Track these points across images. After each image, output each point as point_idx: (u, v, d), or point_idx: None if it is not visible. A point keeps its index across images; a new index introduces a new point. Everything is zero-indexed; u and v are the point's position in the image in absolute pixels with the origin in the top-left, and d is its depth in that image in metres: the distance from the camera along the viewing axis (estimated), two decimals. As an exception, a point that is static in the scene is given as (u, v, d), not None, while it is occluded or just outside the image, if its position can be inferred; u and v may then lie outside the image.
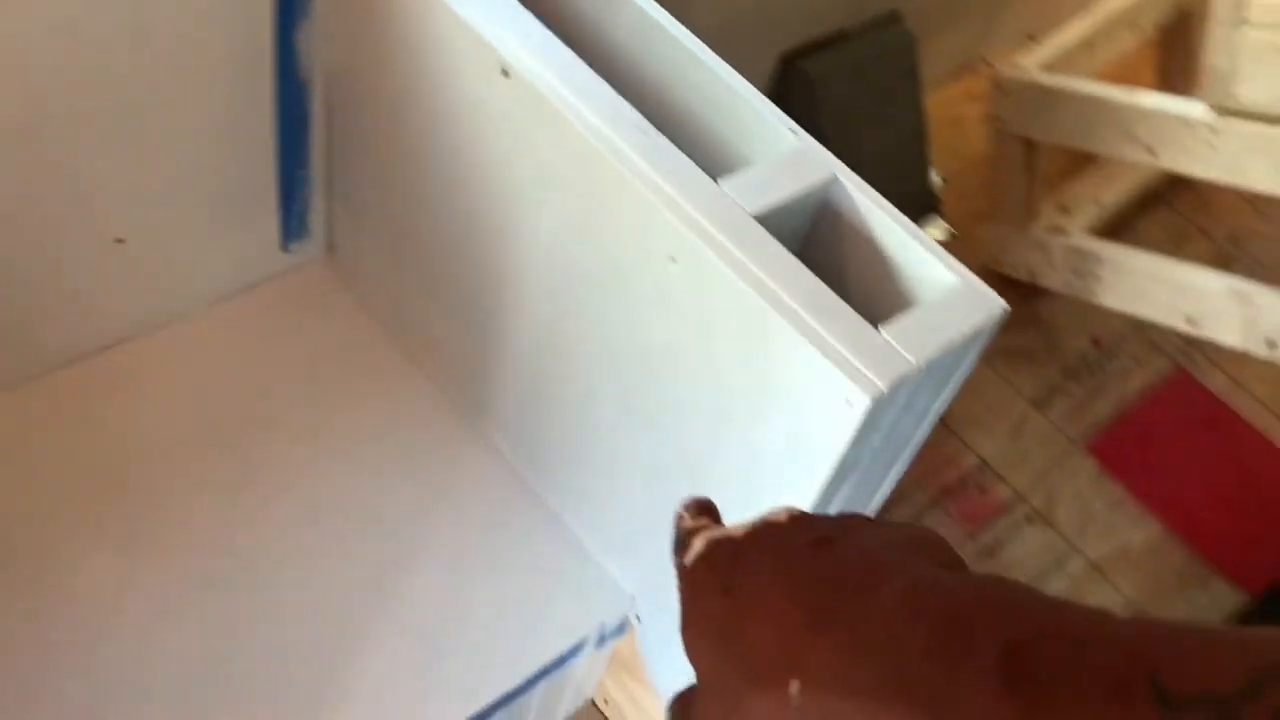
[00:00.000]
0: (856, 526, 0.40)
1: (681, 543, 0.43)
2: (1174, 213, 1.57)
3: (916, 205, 1.48)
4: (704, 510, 0.45)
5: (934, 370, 0.66)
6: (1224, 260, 1.53)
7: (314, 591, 0.85)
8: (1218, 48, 1.12)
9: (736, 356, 0.68)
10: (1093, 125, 1.25)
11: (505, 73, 0.73)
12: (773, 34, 1.29)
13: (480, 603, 0.86)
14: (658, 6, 0.78)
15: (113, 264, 0.88)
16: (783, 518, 0.40)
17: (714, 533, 0.42)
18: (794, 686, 0.34)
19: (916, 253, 0.70)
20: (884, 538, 0.38)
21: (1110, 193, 1.48)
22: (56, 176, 0.80)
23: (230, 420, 0.91)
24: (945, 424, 1.29)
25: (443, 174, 0.84)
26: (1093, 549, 1.21)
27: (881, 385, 0.62)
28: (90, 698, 0.77)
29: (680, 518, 0.45)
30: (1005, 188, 1.36)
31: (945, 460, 1.25)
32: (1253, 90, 1.12)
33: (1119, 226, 1.52)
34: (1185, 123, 1.18)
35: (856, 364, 0.62)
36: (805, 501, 0.69)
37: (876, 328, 0.64)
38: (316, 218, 0.99)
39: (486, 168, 0.80)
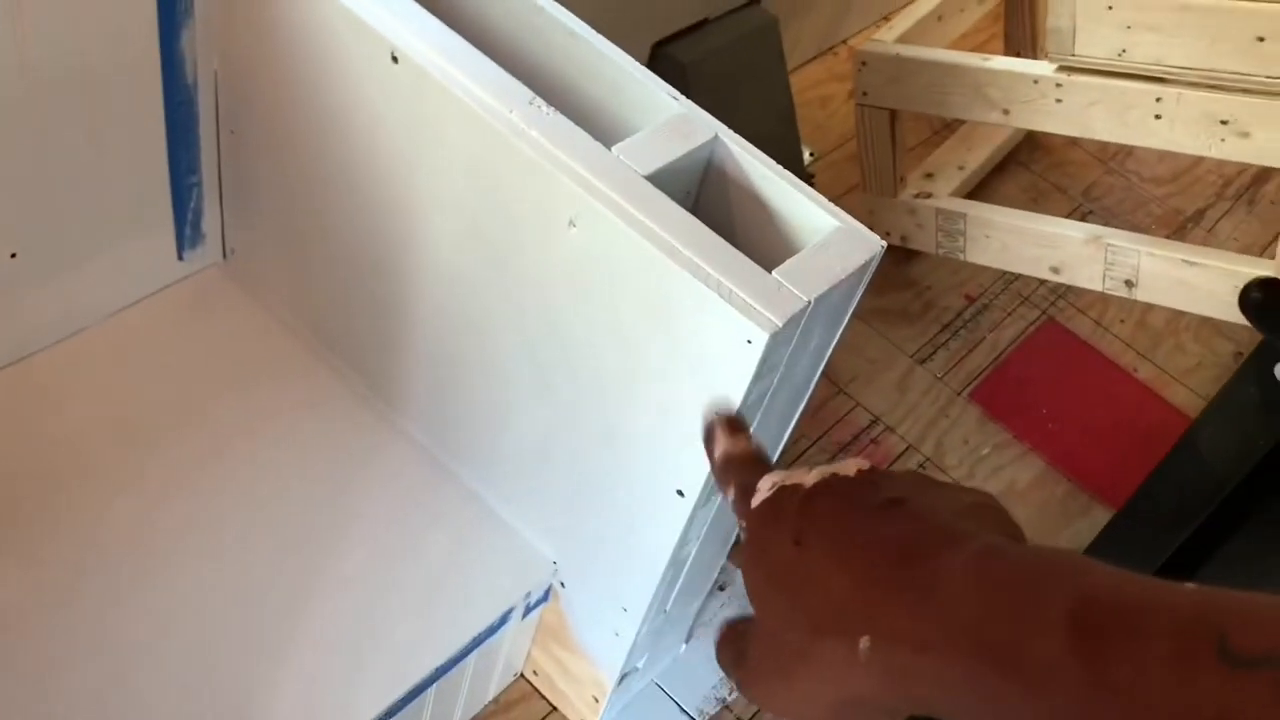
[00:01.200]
0: (925, 488, 0.41)
1: (731, 483, 0.44)
2: (1031, 173, 1.66)
3: (791, 181, 1.55)
4: (737, 427, 0.47)
5: (825, 306, 0.70)
6: (1081, 214, 1.63)
7: (237, 583, 0.85)
8: (1056, 8, 1.19)
9: (640, 311, 0.72)
10: (950, 91, 1.33)
11: (395, 58, 0.76)
12: (640, 24, 1.34)
13: (404, 583, 0.88)
14: (535, -11, 0.82)
15: (6, 279, 0.88)
16: (851, 470, 0.41)
17: (780, 478, 0.42)
18: (864, 641, 0.35)
19: (799, 201, 0.74)
20: (951, 502, 0.39)
21: (971, 158, 1.56)
22: (-54, 192, 0.80)
23: (139, 423, 0.92)
24: (834, 383, 1.35)
25: (339, 166, 0.86)
26: (984, 489, 1.28)
27: (777, 321, 0.66)
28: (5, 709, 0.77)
29: (715, 440, 0.46)
30: (873, 158, 1.43)
31: (838, 418, 1.31)
32: (1089, 46, 1.20)
33: (981, 189, 1.60)
34: (1033, 81, 1.26)
35: (753, 303, 0.67)
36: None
37: (769, 271, 0.69)
38: (210, 223, 1.00)
39: (382, 155, 0.82)
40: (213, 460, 0.91)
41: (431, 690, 0.87)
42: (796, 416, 0.83)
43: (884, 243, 0.73)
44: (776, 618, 0.39)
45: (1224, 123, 1.17)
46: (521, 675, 1.04)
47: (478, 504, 0.93)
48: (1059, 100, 1.25)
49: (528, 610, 0.93)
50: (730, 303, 0.67)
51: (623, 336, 0.74)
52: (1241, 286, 1.11)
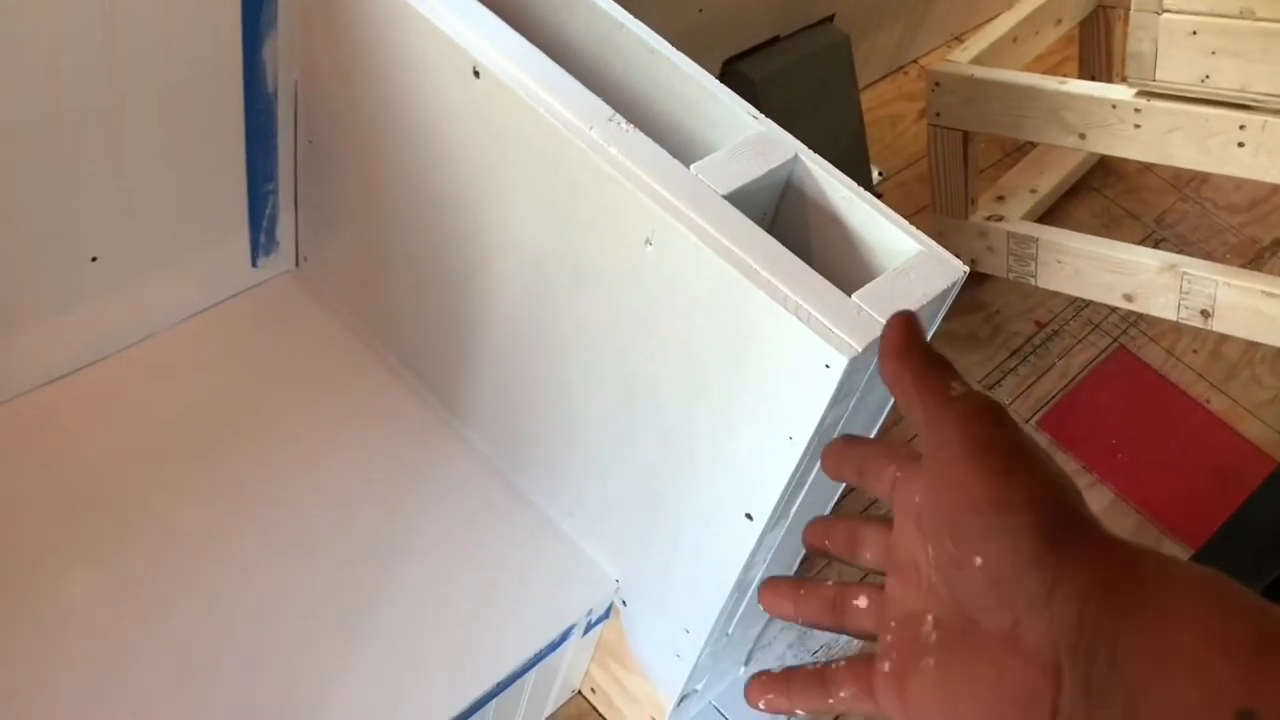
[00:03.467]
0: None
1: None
2: (1103, 198, 1.63)
3: (859, 201, 1.53)
4: (914, 326, 0.48)
5: (903, 333, 0.69)
6: (1154, 241, 1.60)
7: (298, 593, 0.86)
8: (1137, 33, 1.17)
9: (715, 333, 0.71)
10: (1026, 114, 1.31)
11: (476, 73, 0.76)
12: (712, 42, 1.34)
13: (464, 595, 0.88)
14: (615, 4, 0.82)
15: (87, 282, 0.89)
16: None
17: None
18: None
19: (879, 224, 0.73)
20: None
21: (1043, 181, 1.54)
22: (30, 193, 0.81)
23: (206, 431, 0.92)
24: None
25: (416, 179, 0.86)
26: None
27: (856, 345, 0.65)
28: (75, 712, 0.77)
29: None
30: (945, 180, 1.41)
31: (903, 443, 1.29)
32: (1171, 71, 1.18)
33: (1053, 213, 1.58)
34: (1112, 106, 1.24)
35: (832, 327, 0.66)
36: (783, 471, 0.72)
37: (849, 295, 0.68)
38: (285, 231, 1.01)
39: (460, 169, 0.82)
40: (278, 467, 0.91)
41: (491, 705, 0.87)
42: (868, 441, 0.82)
43: (966, 268, 0.72)
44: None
45: (1310, 152, 1.14)
46: (579, 693, 1.03)
47: (542, 519, 0.93)
48: (1138, 126, 1.23)
49: (589, 628, 0.92)
50: (808, 325, 0.66)
51: (697, 358, 0.73)
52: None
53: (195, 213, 0.93)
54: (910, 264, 0.71)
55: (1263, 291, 1.24)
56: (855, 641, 1.12)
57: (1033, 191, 1.52)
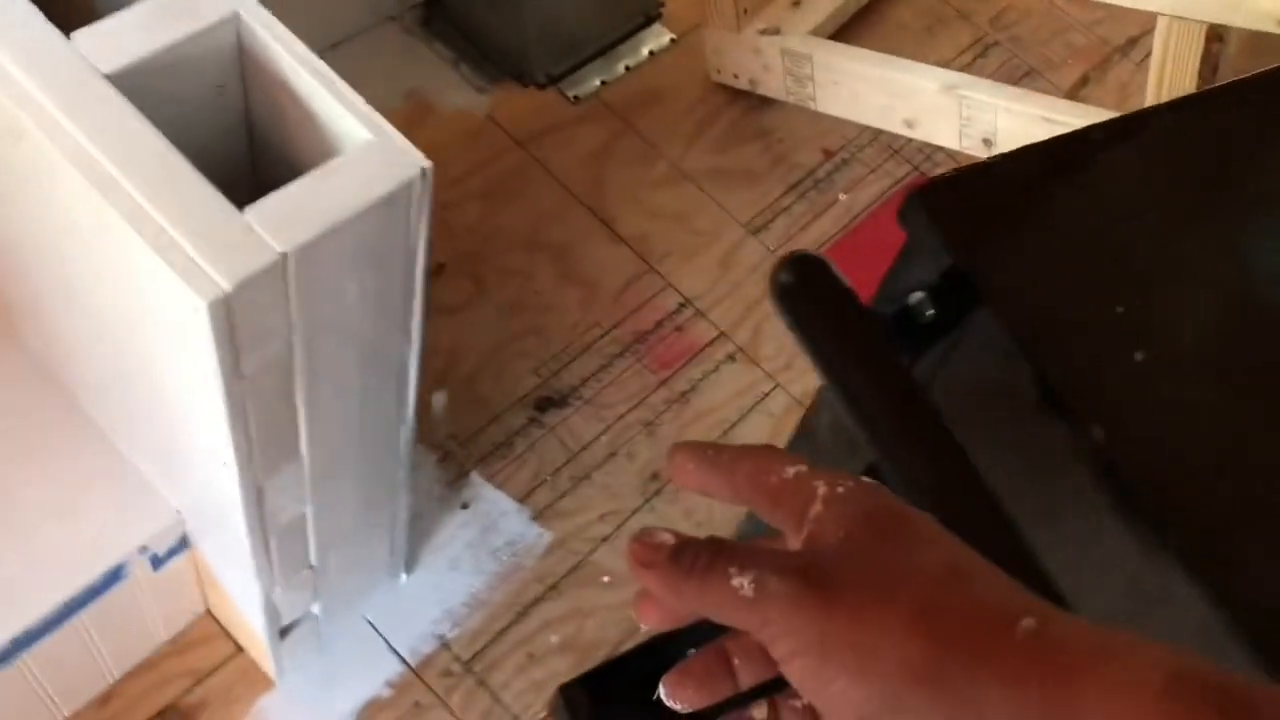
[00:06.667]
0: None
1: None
2: (933, -3, 1.42)
3: (634, 10, 1.33)
4: (650, 544, 0.32)
5: (333, 252, 0.54)
6: (982, 46, 1.40)
7: None
8: None
9: (98, 256, 0.56)
10: (780, -92, 1.10)
11: None
12: None
13: (6, 522, 0.76)
14: None
15: None
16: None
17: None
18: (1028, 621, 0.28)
19: (328, 104, 0.57)
20: None
21: (851, -20, 1.33)
22: None
23: None
24: (645, 260, 1.18)
25: None
26: (798, 384, 1.12)
27: (224, 284, 0.50)
28: None
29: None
30: (712, -14, 1.21)
31: (643, 301, 1.15)
32: None
33: (866, 15, 1.37)
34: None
35: (197, 259, 0.51)
36: (220, 426, 0.58)
37: (242, 210, 0.52)
38: None
39: None
40: None
41: (29, 651, 0.76)
42: (407, 369, 0.68)
43: (425, 165, 0.56)
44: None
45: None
46: (210, 614, 0.92)
47: (104, 444, 0.80)
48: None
49: (158, 563, 0.80)
50: (166, 258, 0.50)
51: (107, 286, 0.58)
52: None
53: None
54: (349, 160, 0.55)
55: (1043, 117, 1.07)
56: (541, 532, 1.00)
57: (836, -7, 1.32)
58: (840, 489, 0.30)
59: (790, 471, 0.31)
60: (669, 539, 0.30)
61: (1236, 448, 0.37)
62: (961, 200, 0.42)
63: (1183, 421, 0.38)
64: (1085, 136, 0.43)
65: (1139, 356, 0.39)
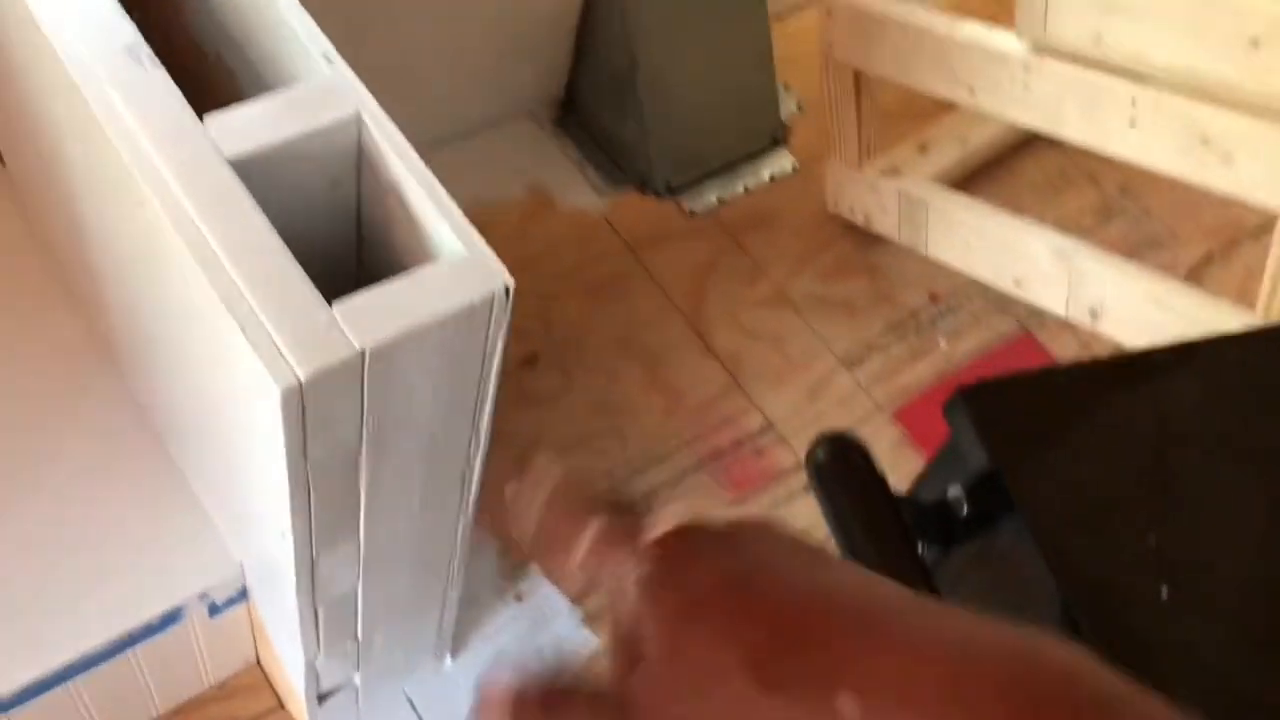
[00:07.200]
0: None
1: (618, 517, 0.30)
2: (1063, 155, 1.42)
3: (760, 134, 1.36)
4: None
5: (410, 353, 0.56)
6: (1107, 211, 1.39)
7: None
8: (1026, -26, 0.97)
9: (195, 321, 0.59)
10: (914, 59, 1.12)
11: (6, -21, 0.64)
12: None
13: (62, 555, 0.80)
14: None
15: None
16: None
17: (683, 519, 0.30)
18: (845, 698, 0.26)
19: (427, 210, 0.60)
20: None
21: (979, 132, 1.34)
22: None
23: None
24: (734, 377, 1.18)
25: (26, 91, 0.75)
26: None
27: (300, 373, 0.53)
28: None
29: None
30: (838, 122, 1.23)
31: (725, 419, 1.15)
32: (1063, 26, 0.98)
33: (991, 168, 1.38)
34: (1001, 60, 1.04)
35: (280, 345, 0.53)
36: (281, 495, 0.60)
37: (330, 303, 0.55)
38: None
39: (27, 83, 0.71)
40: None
41: (80, 679, 0.79)
42: (471, 468, 0.70)
43: (509, 283, 0.58)
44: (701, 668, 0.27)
45: (1205, 142, 0.94)
46: (258, 664, 0.95)
47: (180, 486, 0.84)
48: (1027, 86, 1.03)
49: (215, 610, 0.83)
50: (252, 340, 0.53)
51: (197, 354, 0.62)
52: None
53: None
54: (438, 270, 0.58)
55: (1154, 298, 1.05)
56: (589, 637, 1.01)
57: (963, 143, 1.33)
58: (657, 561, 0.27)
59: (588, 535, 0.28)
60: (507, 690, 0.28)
61: (1251, 707, 0.36)
62: (1009, 406, 0.43)
63: (1197, 672, 0.38)
64: (1147, 358, 0.43)
65: (1164, 593, 0.38)
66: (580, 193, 1.30)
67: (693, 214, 1.30)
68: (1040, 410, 0.43)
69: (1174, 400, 0.43)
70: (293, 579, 0.69)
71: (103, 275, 0.78)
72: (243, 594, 0.84)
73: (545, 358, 1.17)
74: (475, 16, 1.18)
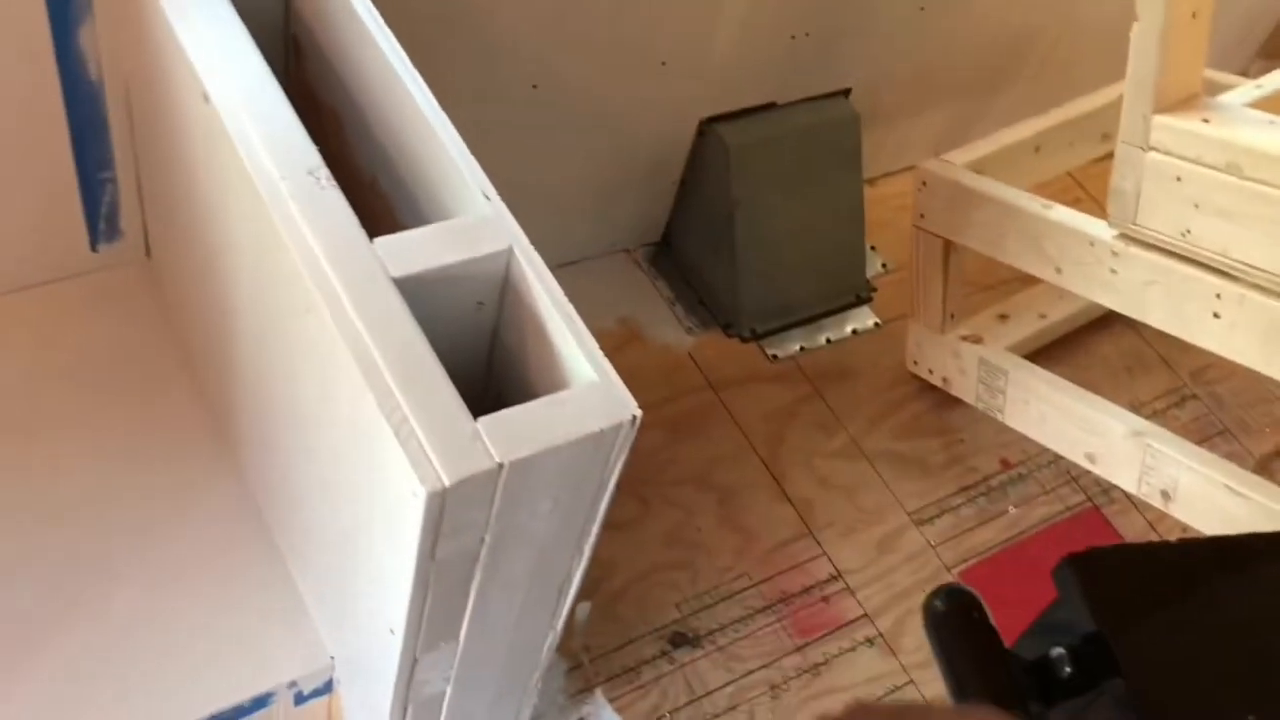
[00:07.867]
0: None
1: None
2: (1138, 336, 1.46)
3: (846, 290, 1.41)
4: None
5: (542, 470, 0.61)
6: (1179, 395, 1.42)
7: (10, 593, 0.83)
8: (1121, 167, 1.03)
9: (348, 427, 0.64)
10: (1005, 234, 1.17)
11: (206, 98, 0.71)
12: (695, 97, 1.25)
13: (163, 635, 0.83)
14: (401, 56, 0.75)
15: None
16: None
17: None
18: None
19: (567, 341, 0.65)
20: None
21: (1059, 307, 1.38)
22: None
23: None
24: (806, 523, 1.21)
25: (188, 190, 0.82)
26: (931, 688, 1.12)
27: (446, 479, 0.57)
28: None
29: None
30: (924, 287, 1.28)
31: (795, 563, 1.18)
32: (1152, 217, 1.03)
33: (1067, 344, 1.42)
34: (1090, 243, 1.09)
35: (429, 451, 0.58)
36: (401, 593, 0.64)
37: (476, 418, 0.60)
38: (130, 220, 0.98)
39: (202, 190, 0.78)
40: (37, 458, 0.89)
41: (166, 756, 0.82)
42: (551, 585, 0.73)
43: (637, 412, 0.62)
44: None
45: (1287, 339, 0.97)
46: (327, 757, 0.97)
47: (281, 572, 0.88)
48: (1114, 271, 1.08)
49: (300, 699, 0.86)
50: (402, 444, 0.58)
51: (337, 452, 0.66)
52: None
53: (21, 193, 0.92)
54: (573, 395, 0.62)
55: (1226, 486, 1.07)
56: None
57: (1042, 317, 1.37)
58: None
59: None
60: None
61: None
62: (1116, 574, 0.46)
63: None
64: (1246, 545, 0.47)
65: (1260, 768, 0.41)
66: (668, 329, 1.35)
67: (775, 359, 1.34)
68: (1144, 581, 0.46)
69: (1273, 587, 0.46)
70: (392, 676, 0.72)
71: (240, 374, 0.83)
72: (328, 685, 0.87)
73: (625, 485, 1.20)
74: (588, 159, 1.25)
